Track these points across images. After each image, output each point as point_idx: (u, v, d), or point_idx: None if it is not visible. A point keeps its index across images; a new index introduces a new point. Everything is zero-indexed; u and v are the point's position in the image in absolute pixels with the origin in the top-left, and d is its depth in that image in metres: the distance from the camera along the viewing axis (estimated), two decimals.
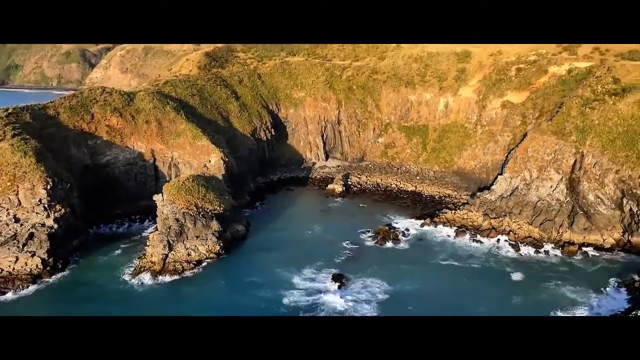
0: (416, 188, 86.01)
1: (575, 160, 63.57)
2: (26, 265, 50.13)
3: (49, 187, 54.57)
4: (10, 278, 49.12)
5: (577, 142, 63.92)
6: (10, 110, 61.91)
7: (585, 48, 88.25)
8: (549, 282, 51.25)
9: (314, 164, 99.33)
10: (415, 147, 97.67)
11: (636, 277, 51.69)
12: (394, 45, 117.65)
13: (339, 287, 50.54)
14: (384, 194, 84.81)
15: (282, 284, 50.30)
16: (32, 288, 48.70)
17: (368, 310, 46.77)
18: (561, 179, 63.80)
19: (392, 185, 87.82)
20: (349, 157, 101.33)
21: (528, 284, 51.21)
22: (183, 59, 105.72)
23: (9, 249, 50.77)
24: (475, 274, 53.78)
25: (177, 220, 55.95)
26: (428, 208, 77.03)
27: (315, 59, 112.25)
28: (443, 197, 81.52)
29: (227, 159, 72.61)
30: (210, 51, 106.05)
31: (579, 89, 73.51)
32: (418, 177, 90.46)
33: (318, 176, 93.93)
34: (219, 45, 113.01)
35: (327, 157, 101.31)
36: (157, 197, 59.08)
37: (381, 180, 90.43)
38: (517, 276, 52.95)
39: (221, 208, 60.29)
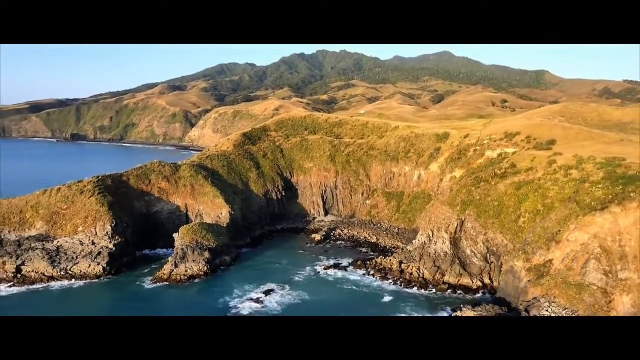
0: (377, 240, 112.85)
1: (457, 224, 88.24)
2: (94, 269, 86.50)
3: (113, 225, 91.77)
4: (85, 275, 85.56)
5: (459, 211, 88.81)
6: (99, 177, 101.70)
7: (520, 136, 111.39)
8: (403, 303, 76.59)
9: (314, 218, 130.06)
10: (392, 208, 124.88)
11: (469, 307, 74.91)
12: (394, 125, 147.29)
13: (267, 294, 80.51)
14: (352, 243, 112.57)
15: (229, 292, 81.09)
16: (95, 282, 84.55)
17: (284, 306, 75.91)
18: (448, 237, 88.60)
19: (362, 237, 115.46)
20: (342, 214, 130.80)
21: (386, 303, 77.06)
22: (225, 138, 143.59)
23: (86, 259, 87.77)
24: (359, 295, 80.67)
25: (183, 249, 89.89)
26: (375, 254, 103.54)
27: (328, 137, 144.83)
28: (392, 248, 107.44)
29: (233, 212, 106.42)
30: (248, 132, 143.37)
31: (480, 171, 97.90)
32: (385, 232, 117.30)
33: (313, 227, 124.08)
34: (257, 126, 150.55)
35: (326, 214, 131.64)
36: (175, 235, 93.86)
37: (357, 233, 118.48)
38: (385, 299, 78.89)
39: (214, 244, 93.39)
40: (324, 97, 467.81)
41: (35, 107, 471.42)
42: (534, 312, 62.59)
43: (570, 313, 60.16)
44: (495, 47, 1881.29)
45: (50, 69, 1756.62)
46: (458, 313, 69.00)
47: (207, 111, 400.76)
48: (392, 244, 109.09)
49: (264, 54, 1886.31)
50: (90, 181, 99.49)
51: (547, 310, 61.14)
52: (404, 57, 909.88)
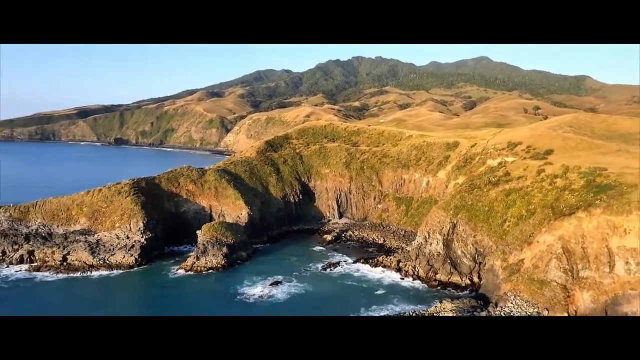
0: (384, 241, 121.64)
1: (450, 227, 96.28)
2: (127, 260, 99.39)
3: (145, 222, 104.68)
4: (120, 265, 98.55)
5: (452, 215, 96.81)
6: (135, 180, 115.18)
7: (522, 146, 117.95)
8: (393, 296, 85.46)
9: (329, 220, 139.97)
10: (401, 212, 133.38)
11: (449, 300, 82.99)
12: (408, 134, 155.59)
13: (274, 285, 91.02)
14: (360, 244, 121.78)
15: (241, 282, 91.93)
16: (128, 271, 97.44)
17: (288, 296, 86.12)
18: (442, 238, 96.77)
19: (370, 239, 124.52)
20: (356, 217, 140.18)
21: (379, 295, 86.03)
22: (249, 146, 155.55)
23: (121, 251, 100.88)
24: (357, 288, 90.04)
25: (204, 244, 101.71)
26: (379, 254, 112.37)
27: (346, 145, 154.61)
28: (396, 248, 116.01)
29: (251, 213, 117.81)
30: (271, 140, 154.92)
31: (478, 179, 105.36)
32: (393, 234, 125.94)
33: (327, 229, 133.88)
34: (280, 134, 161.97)
35: (340, 216, 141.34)
36: (198, 232, 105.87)
37: (367, 234, 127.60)
38: (379, 292, 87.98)
39: (232, 241, 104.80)
40: (356, 104, 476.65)
41: (83, 113, 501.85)
42: (501, 304, 70.50)
43: (532, 306, 67.84)
44: (535, 51, 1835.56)
45: (99, 76, 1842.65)
46: (439, 305, 77.40)
47: (242, 117, 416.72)
48: (397, 245, 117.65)
49: (301, 61, 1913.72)
50: (127, 183, 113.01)
51: (511, 303, 69.01)
52: (440, 62, 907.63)
